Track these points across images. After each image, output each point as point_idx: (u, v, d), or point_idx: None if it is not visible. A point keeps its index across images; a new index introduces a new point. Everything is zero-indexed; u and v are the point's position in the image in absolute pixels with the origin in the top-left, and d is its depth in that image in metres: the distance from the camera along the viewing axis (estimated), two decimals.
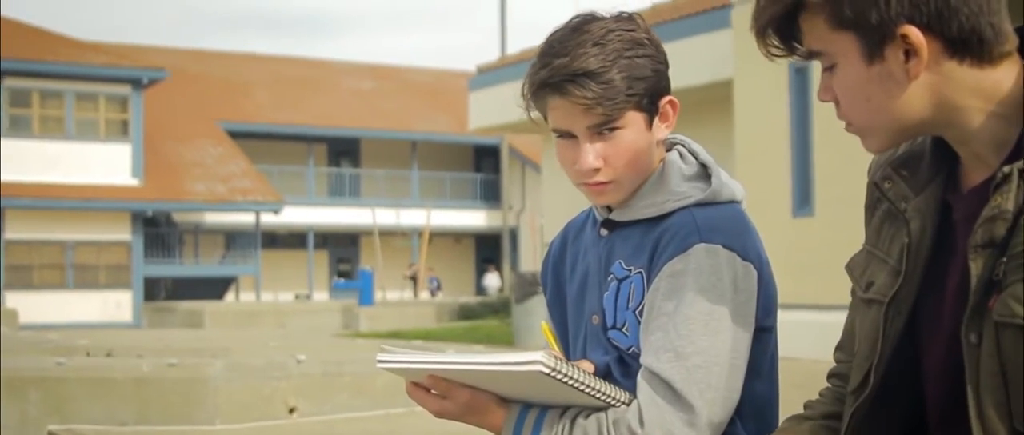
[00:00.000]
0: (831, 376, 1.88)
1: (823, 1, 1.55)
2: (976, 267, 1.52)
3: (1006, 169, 1.51)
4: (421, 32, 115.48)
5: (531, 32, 61.54)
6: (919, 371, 1.66)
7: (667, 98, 1.97)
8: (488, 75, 22.10)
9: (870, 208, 1.77)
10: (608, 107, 1.89)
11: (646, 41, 1.94)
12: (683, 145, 2.04)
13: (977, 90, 1.54)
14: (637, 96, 1.91)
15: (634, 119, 1.92)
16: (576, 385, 1.81)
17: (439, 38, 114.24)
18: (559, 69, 1.89)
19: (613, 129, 1.92)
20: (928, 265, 1.64)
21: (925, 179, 1.66)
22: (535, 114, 1.98)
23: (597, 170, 1.93)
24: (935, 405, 1.64)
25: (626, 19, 1.95)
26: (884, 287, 1.67)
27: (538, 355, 1.76)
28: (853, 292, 1.79)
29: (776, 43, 1.63)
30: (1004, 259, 1.50)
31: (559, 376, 1.78)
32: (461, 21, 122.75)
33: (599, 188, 1.97)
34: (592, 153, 1.93)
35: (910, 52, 1.52)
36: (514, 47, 45.30)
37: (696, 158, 2.02)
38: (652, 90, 1.93)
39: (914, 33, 1.51)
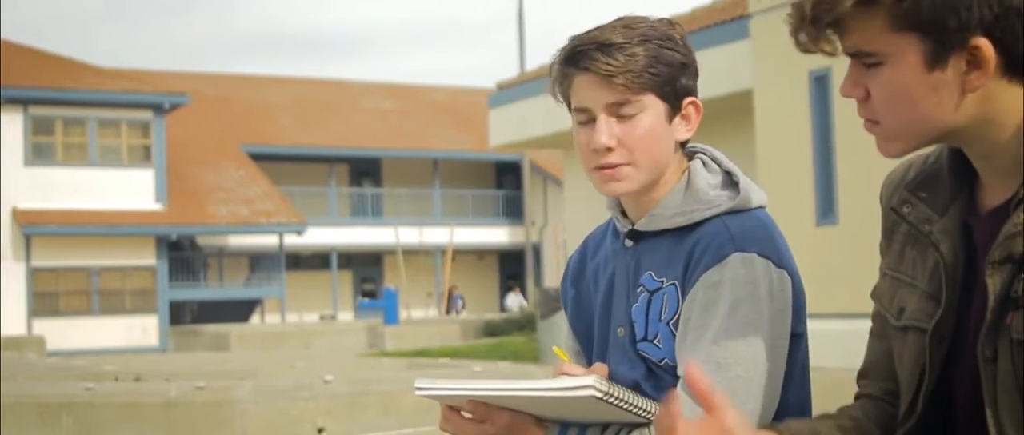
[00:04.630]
0: (858, 398, 1.81)
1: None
2: (993, 284, 1.49)
3: None
4: (440, 51, 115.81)
5: (549, 48, 61.51)
6: (950, 397, 1.63)
7: (690, 99, 1.97)
8: (508, 92, 22.11)
9: (888, 233, 1.73)
10: (628, 80, 1.89)
11: (678, 40, 1.96)
12: (704, 153, 2.03)
13: (1015, 108, 1.50)
14: (659, 78, 1.91)
15: (654, 105, 1.93)
16: (625, 406, 1.80)
17: (458, 56, 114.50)
18: (585, 40, 1.93)
19: (632, 112, 1.92)
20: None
21: (946, 200, 1.62)
22: (560, 102, 1.99)
23: (610, 150, 1.92)
24: (962, 429, 1.62)
25: (664, 20, 1.98)
26: (919, 313, 1.63)
27: (590, 380, 1.76)
28: (875, 318, 1.74)
29: (818, 37, 1.52)
30: (1023, 276, 1.47)
31: (611, 400, 1.77)
32: (479, 39, 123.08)
33: (611, 172, 1.94)
34: (607, 131, 1.92)
35: (972, 64, 1.46)
36: (533, 63, 45.33)
37: (719, 166, 2.01)
38: (675, 79, 1.93)
39: (986, 46, 1.44)
